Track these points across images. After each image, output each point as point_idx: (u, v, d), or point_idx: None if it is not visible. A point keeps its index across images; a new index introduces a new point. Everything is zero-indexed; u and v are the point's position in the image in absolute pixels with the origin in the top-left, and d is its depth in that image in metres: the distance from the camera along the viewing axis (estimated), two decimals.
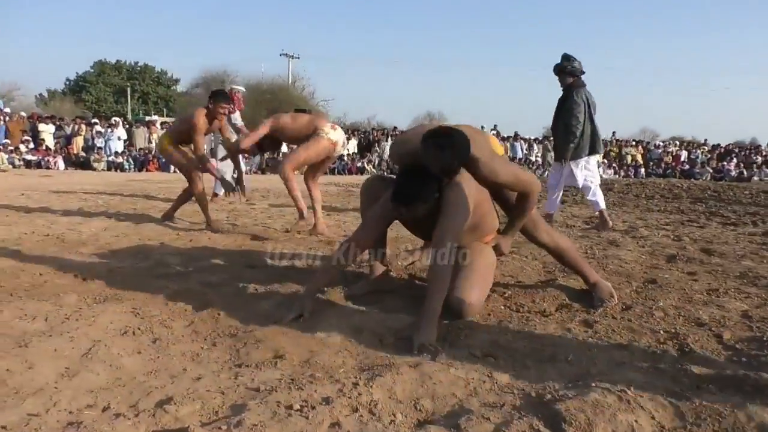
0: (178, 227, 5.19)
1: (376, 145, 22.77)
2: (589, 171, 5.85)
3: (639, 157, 24.99)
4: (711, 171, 23.38)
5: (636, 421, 1.55)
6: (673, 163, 24.86)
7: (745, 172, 22.88)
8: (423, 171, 2.45)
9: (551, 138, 8.11)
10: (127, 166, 17.17)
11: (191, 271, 3.41)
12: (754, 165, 24.35)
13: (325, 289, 2.93)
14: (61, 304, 2.56)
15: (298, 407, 1.60)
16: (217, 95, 5.25)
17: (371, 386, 1.75)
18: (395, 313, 2.59)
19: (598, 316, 2.60)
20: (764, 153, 26.12)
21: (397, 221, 2.76)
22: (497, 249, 2.87)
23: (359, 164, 21.24)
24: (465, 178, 2.57)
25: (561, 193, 6.26)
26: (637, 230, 5.75)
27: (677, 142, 27.41)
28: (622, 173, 23.29)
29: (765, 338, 2.31)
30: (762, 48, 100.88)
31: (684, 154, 25.63)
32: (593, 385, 1.76)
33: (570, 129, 5.65)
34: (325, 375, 1.88)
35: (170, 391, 1.72)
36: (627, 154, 24.96)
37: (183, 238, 4.63)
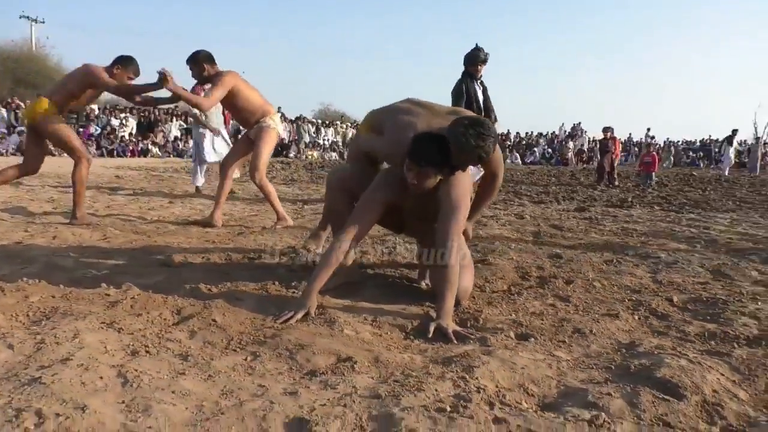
0: (17, 220, 4.30)
1: (160, 125, 21.11)
2: None
3: None
4: None
5: (717, 379, 1.79)
6: None
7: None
8: (440, 141, 2.42)
9: None
10: None
11: (114, 273, 2.91)
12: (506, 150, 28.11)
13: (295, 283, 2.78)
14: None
15: (448, 408, 1.53)
16: (129, 60, 4.41)
17: (477, 378, 1.74)
18: (392, 304, 2.56)
19: (562, 292, 2.87)
20: (511, 140, 30.14)
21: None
22: (465, 233, 2.97)
23: (141, 146, 19.50)
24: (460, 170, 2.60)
25: None
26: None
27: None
28: None
29: (704, 298, 2.80)
30: None
31: None
32: (656, 352, 1.98)
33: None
34: (413, 373, 1.80)
35: (288, 411, 1.50)
36: None
37: (40, 234, 3.87)
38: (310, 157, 22.57)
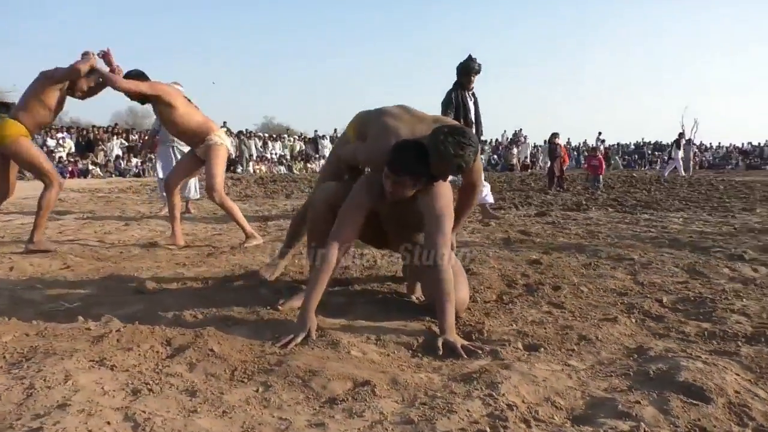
0: None
1: (101, 143, 20.36)
2: None
3: None
4: None
5: (735, 379, 1.81)
6: None
7: None
8: (420, 149, 2.38)
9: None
10: None
11: (88, 304, 2.74)
12: None
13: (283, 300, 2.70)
14: None
15: (488, 429, 1.48)
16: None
17: (504, 395, 1.70)
18: (390, 320, 2.51)
19: (554, 298, 2.88)
20: None
21: None
22: None
23: (81, 166, 18.75)
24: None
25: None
26: None
27: None
28: None
29: (690, 297, 2.85)
30: None
31: None
32: (670, 356, 1.99)
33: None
34: (438, 394, 1.74)
35: None
36: None
37: None
38: (258, 171, 22.23)
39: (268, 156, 24.74)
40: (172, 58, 71.29)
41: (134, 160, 20.27)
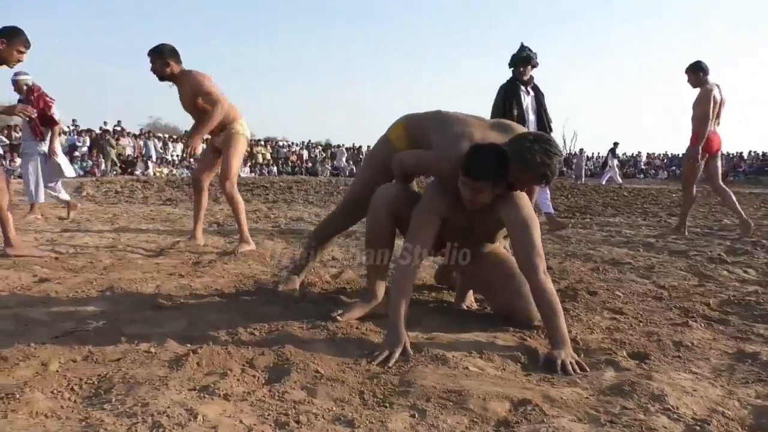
0: None
1: None
2: None
3: (269, 156, 26.43)
4: (329, 168, 26.60)
5: None
6: (299, 162, 27.28)
7: (355, 169, 26.66)
8: (499, 154, 2.26)
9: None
10: None
11: (118, 322, 2.37)
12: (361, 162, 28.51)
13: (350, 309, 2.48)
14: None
15: None
16: (15, 32, 3.63)
17: (677, 407, 1.64)
18: (467, 332, 2.38)
19: (607, 304, 2.87)
20: (364, 153, 30.65)
21: None
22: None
23: None
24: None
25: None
26: None
27: (300, 143, 29.79)
28: (257, 171, 24.28)
29: (734, 299, 2.96)
30: None
31: (305, 153, 28.37)
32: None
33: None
34: (614, 410, 1.64)
35: None
36: (258, 153, 26.05)
37: None
38: (158, 174, 20.95)
39: (168, 158, 23.40)
40: None
41: (18, 160, 18.34)
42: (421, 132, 2.64)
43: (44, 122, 6.01)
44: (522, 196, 2.41)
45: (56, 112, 6.13)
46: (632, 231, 6.14)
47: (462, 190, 2.30)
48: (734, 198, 5.75)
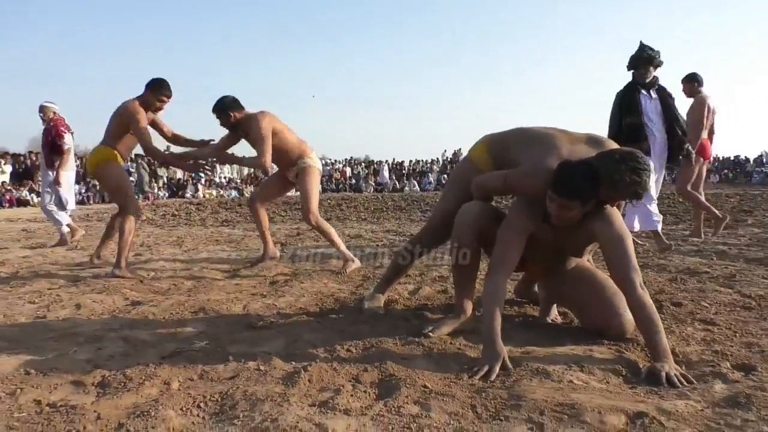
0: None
1: (38, 171, 19.10)
2: None
3: None
4: (373, 184, 26.77)
5: None
6: (342, 179, 27.60)
7: (397, 183, 26.79)
8: (587, 171, 2.26)
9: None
10: None
11: (222, 342, 2.48)
12: (404, 177, 28.59)
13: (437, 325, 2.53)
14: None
15: None
16: (161, 84, 4.19)
17: None
18: (558, 346, 2.40)
19: (696, 314, 2.84)
20: (406, 168, 30.79)
21: None
22: None
23: (19, 194, 17.52)
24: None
25: None
26: None
27: (344, 160, 30.15)
28: None
29: None
30: None
31: (348, 170, 28.67)
32: None
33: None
34: (734, 422, 1.63)
35: None
36: None
37: (54, 305, 3.22)
38: (208, 196, 21.51)
39: (217, 180, 23.98)
40: None
41: (74, 187, 19.14)
42: (504, 150, 2.67)
43: (53, 151, 6.29)
44: (613, 211, 2.41)
45: (68, 142, 6.31)
46: (698, 238, 6.00)
47: (550, 207, 2.33)
48: (703, 198, 6.08)
